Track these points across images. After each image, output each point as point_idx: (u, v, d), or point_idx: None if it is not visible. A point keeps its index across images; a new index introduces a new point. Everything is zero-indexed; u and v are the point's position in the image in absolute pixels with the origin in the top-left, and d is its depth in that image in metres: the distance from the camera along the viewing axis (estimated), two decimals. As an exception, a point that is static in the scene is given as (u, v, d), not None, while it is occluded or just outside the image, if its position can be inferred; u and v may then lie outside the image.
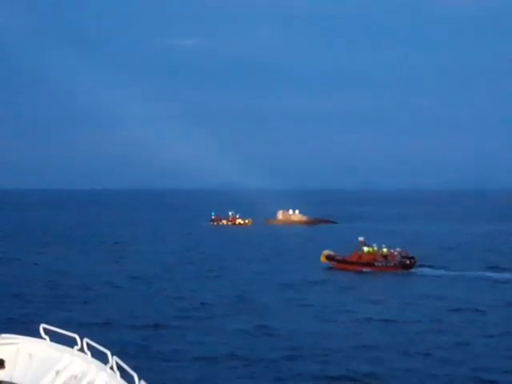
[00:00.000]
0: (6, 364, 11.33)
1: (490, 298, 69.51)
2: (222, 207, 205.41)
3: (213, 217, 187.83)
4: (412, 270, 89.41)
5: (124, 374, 9.79)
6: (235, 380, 40.25)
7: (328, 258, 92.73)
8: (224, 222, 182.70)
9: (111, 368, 10.36)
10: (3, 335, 11.94)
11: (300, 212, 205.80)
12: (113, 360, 10.26)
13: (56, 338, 11.21)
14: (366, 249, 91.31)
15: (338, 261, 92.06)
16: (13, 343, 11.68)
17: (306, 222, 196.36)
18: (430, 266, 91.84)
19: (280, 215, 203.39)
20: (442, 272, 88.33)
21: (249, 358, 44.42)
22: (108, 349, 9.93)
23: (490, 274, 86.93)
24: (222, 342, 48.56)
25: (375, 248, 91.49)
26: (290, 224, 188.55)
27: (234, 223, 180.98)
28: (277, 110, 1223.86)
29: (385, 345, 48.48)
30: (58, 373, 10.97)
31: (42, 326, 11.50)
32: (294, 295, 70.54)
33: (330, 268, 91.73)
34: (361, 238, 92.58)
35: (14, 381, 11.15)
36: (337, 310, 62.56)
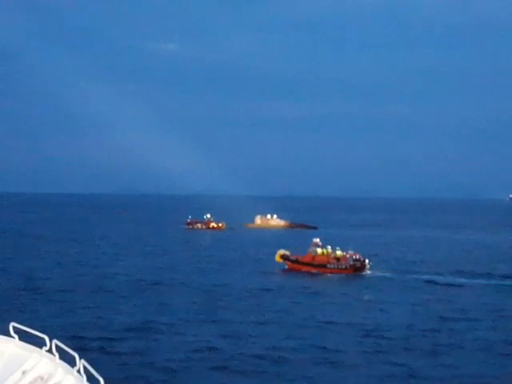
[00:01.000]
0: None
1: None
2: (202, 211, 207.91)
3: (188, 220, 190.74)
4: (363, 272, 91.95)
5: (91, 378, 9.75)
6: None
7: (283, 257, 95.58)
8: (199, 225, 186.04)
9: (78, 371, 10.31)
10: None
11: (278, 217, 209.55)
12: (80, 363, 10.18)
13: (25, 338, 11.15)
14: (319, 250, 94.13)
15: (292, 261, 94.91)
16: None
17: (284, 227, 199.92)
18: (380, 270, 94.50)
19: (258, 220, 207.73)
20: (389, 275, 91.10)
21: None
22: (76, 352, 9.89)
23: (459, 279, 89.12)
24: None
25: (329, 250, 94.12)
26: (267, 228, 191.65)
27: (208, 227, 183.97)
28: (262, 117, 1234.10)
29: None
30: (24, 373, 10.92)
31: (12, 324, 11.38)
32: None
33: (283, 270, 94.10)
34: (315, 240, 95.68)
35: None
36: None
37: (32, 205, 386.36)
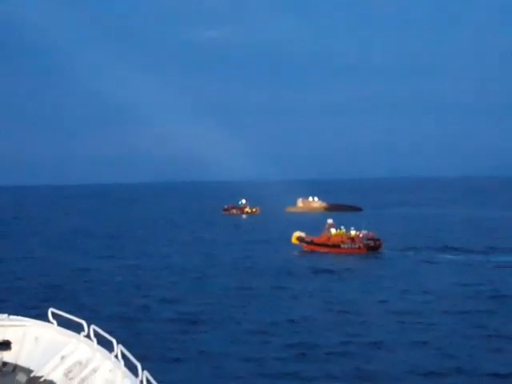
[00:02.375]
0: (13, 346, 11.55)
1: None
2: (243, 197, 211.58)
3: (225, 206, 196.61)
4: (378, 251, 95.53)
5: (128, 363, 9.95)
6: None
7: (299, 239, 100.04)
8: (234, 211, 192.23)
9: (116, 356, 10.45)
10: (11, 317, 12.11)
11: (319, 199, 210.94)
12: (118, 349, 10.33)
13: (64, 323, 11.43)
14: (333, 231, 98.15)
15: (307, 242, 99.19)
16: (20, 325, 11.83)
17: (326, 209, 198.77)
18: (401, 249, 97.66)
19: (300, 203, 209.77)
20: (410, 253, 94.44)
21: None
22: (114, 337, 10.13)
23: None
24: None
25: (343, 230, 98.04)
26: (310, 211, 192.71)
27: (243, 212, 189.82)
28: (298, 102, 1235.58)
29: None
30: (63, 358, 11.10)
31: (51, 310, 11.63)
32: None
33: (300, 251, 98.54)
34: (329, 221, 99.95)
35: (19, 363, 11.35)
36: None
37: (73, 196, 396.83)
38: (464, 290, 66.26)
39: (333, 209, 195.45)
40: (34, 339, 11.61)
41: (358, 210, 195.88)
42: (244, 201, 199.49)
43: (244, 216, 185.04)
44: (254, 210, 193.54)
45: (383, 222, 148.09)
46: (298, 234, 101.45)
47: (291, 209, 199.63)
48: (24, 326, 11.81)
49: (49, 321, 11.65)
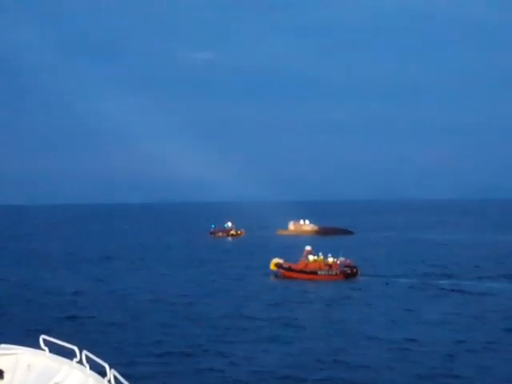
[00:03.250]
0: (5, 375, 11.44)
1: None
2: (233, 218, 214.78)
3: (211, 230, 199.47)
4: (354, 278, 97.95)
5: None
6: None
7: (277, 265, 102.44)
8: (220, 233, 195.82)
9: (109, 381, 10.46)
10: (2, 345, 12.03)
11: (311, 222, 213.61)
12: (111, 373, 10.38)
13: (55, 350, 11.42)
14: (311, 258, 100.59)
15: (285, 269, 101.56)
16: (12, 353, 11.79)
17: (318, 232, 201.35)
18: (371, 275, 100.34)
19: (291, 226, 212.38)
20: (382, 280, 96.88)
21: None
22: (106, 362, 10.17)
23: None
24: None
25: (321, 257, 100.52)
26: (301, 234, 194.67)
27: (229, 234, 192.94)
28: (292, 121, 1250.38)
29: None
30: None
31: (42, 337, 11.54)
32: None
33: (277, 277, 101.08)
34: (307, 247, 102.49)
35: None
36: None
37: (63, 217, 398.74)
38: (435, 317, 68.26)
39: (324, 232, 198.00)
40: (27, 367, 11.62)
41: (350, 233, 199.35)
42: (230, 223, 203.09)
43: (230, 238, 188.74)
44: (239, 232, 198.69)
45: (369, 247, 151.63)
46: (276, 260, 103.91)
47: (282, 232, 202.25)
48: (15, 353, 11.78)
49: (40, 348, 11.68)
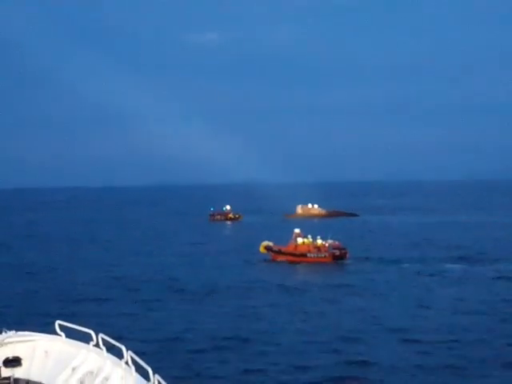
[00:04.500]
0: (23, 361, 11.63)
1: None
2: (242, 201, 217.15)
3: (210, 213, 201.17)
4: (343, 260, 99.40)
5: (139, 368, 10.23)
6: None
7: (266, 248, 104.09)
8: (219, 217, 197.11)
9: (126, 363, 10.68)
10: (19, 332, 12.27)
11: (319, 206, 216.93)
12: (128, 355, 10.61)
13: (72, 334, 11.64)
14: (300, 240, 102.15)
15: (275, 251, 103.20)
16: (29, 340, 11.99)
17: (325, 215, 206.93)
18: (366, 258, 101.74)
19: (299, 209, 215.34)
20: (370, 263, 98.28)
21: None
22: (123, 344, 10.33)
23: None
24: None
25: (310, 239, 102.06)
26: (309, 217, 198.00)
27: (227, 218, 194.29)
28: (297, 105, 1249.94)
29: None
30: (74, 369, 11.29)
31: (58, 322, 11.82)
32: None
33: (267, 260, 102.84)
34: (296, 230, 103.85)
35: (31, 378, 11.35)
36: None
37: (64, 201, 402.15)
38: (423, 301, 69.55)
39: (331, 215, 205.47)
40: (44, 353, 11.74)
41: (355, 215, 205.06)
42: (228, 207, 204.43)
43: (228, 222, 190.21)
44: (237, 216, 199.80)
45: (368, 230, 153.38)
46: (265, 243, 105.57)
47: (291, 215, 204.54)
48: (33, 340, 11.91)
49: (57, 333, 11.76)
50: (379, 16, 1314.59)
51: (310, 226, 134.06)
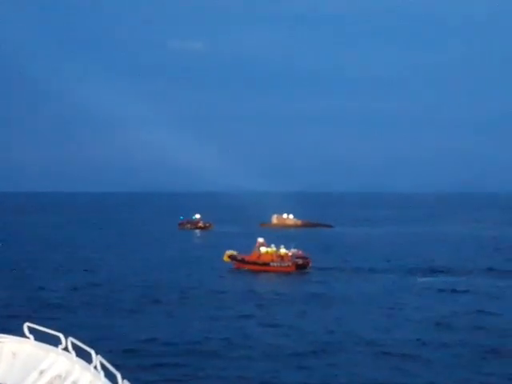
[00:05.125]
0: None
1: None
2: (216, 210, 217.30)
3: (180, 221, 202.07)
4: (306, 270, 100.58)
5: (108, 373, 10.20)
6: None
7: (230, 257, 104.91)
8: (188, 225, 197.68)
9: (95, 367, 10.58)
10: None
11: (294, 216, 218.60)
12: (97, 359, 10.53)
13: (41, 337, 11.50)
14: (263, 249, 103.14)
15: (239, 260, 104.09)
16: None
17: (300, 226, 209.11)
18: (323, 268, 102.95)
19: (274, 219, 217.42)
20: (334, 272, 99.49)
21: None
22: (92, 348, 10.33)
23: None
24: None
25: (273, 248, 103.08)
26: (284, 227, 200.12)
27: (197, 227, 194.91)
28: (282, 112, 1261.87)
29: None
30: (41, 372, 11.21)
31: (27, 324, 11.68)
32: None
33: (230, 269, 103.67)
34: (260, 239, 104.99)
35: None
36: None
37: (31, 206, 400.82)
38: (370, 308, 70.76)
39: (306, 225, 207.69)
40: (12, 355, 11.66)
41: (329, 226, 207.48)
42: (198, 215, 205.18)
43: (197, 231, 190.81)
44: (207, 225, 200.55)
45: (340, 241, 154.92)
46: (229, 252, 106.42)
47: (266, 225, 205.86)
48: (0, 342, 11.80)
49: (25, 336, 11.69)
50: (362, 27, 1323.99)
51: (283, 235, 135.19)
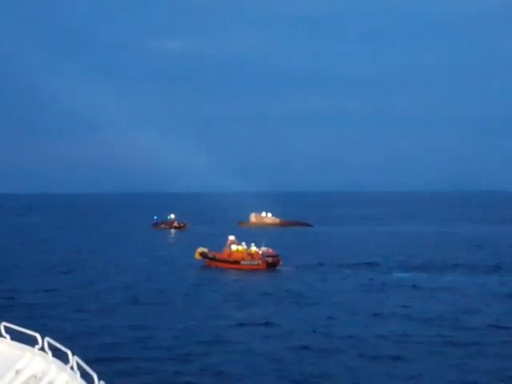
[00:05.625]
0: None
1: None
2: (193, 210, 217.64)
3: (154, 221, 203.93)
4: (276, 268, 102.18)
5: (84, 373, 10.13)
6: None
7: (201, 254, 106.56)
8: (163, 225, 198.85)
9: (71, 368, 10.58)
10: None
11: (273, 214, 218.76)
12: (73, 360, 10.51)
13: (17, 337, 11.58)
14: (234, 247, 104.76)
15: (210, 258, 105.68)
16: None
17: (279, 225, 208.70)
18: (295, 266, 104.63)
19: (253, 218, 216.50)
20: (304, 271, 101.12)
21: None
22: (69, 348, 10.22)
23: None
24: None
25: (244, 247, 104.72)
26: (262, 226, 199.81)
27: (171, 227, 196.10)
28: (263, 112, 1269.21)
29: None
30: (17, 372, 11.22)
31: (3, 324, 11.78)
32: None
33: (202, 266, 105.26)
34: (231, 237, 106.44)
35: None
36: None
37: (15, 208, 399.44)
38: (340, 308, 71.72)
39: (285, 224, 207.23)
40: None
41: (309, 225, 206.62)
42: (173, 215, 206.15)
43: (172, 231, 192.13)
44: (182, 224, 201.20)
45: (318, 240, 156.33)
46: (201, 249, 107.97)
47: (244, 224, 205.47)
48: None
49: (1, 335, 11.66)
50: (344, 28, 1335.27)
51: (260, 234, 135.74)
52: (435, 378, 46.06)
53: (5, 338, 11.79)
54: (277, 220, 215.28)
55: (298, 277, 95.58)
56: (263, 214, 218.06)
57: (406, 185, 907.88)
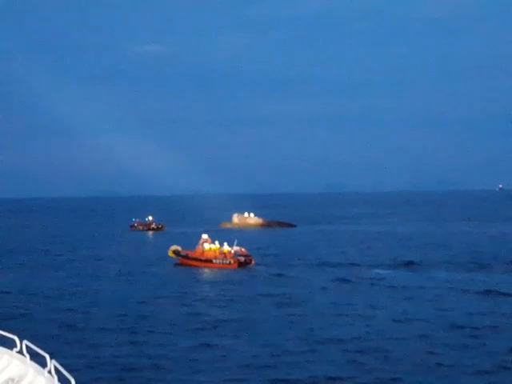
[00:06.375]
0: None
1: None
2: (178, 212, 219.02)
3: (132, 223, 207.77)
4: (248, 267, 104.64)
5: (62, 378, 10.03)
6: None
7: (175, 252, 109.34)
8: (140, 227, 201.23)
9: (49, 372, 10.48)
10: None
11: (255, 215, 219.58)
12: (51, 364, 10.43)
13: None
14: (207, 246, 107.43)
15: (182, 256, 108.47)
16: None
17: (262, 225, 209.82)
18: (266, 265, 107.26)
19: (235, 218, 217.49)
20: (275, 270, 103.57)
21: None
22: (47, 352, 10.21)
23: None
24: None
25: (217, 245, 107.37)
26: (245, 227, 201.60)
27: (149, 228, 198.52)
28: (244, 115, 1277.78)
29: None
30: None
31: None
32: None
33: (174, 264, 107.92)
34: (204, 236, 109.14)
35: None
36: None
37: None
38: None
39: (268, 225, 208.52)
40: None
41: (292, 226, 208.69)
42: (150, 217, 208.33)
43: (150, 232, 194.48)
44: (159, 226, 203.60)
45: (298, 239, 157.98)
46: (174, 247, 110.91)
47: (226, 225, 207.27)
48: None
49: None
50: (328, 30, 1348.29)
51: (240, 235, 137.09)
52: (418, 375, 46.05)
53: None
54: (259, 220, 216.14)
55: (268, 276, 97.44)
56: (246, 214, 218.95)
57: (392, 185, 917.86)
